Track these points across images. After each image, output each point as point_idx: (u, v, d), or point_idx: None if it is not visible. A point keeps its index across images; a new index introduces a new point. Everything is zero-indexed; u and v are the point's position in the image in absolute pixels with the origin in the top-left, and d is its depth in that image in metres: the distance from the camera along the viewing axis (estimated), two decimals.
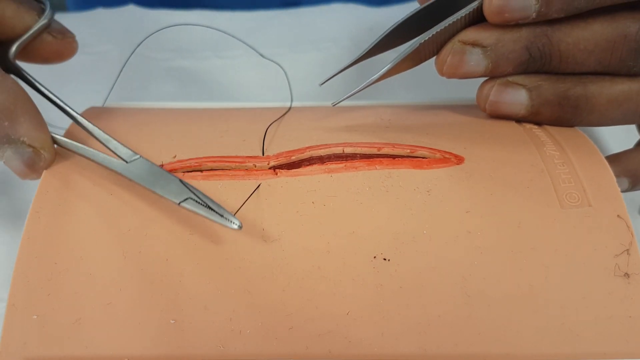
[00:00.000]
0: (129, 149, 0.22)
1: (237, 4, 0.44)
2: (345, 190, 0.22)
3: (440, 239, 0.21)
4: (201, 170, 0.23)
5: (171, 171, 0.22)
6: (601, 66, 0.24)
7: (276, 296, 0.20)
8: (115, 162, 0.22)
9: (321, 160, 0.23)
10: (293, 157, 0.23)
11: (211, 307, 0.20)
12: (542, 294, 0.20)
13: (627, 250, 0.21)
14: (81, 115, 0.24)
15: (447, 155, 0.23)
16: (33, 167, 0.22)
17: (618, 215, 0.21)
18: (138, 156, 0.22)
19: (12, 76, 0.23)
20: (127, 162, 0.22)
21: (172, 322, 0.20)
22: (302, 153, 0.23)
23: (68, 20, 0.41)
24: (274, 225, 0.21)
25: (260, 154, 0.23)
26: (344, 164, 0.23)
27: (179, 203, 0.20)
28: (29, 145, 0.22)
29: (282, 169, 0.23)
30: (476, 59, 0.23)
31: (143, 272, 0.20)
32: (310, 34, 0.40)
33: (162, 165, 0.23)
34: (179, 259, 0.20)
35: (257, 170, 0.23)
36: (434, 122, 0.25)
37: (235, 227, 0.19)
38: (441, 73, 0.24)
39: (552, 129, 0.25)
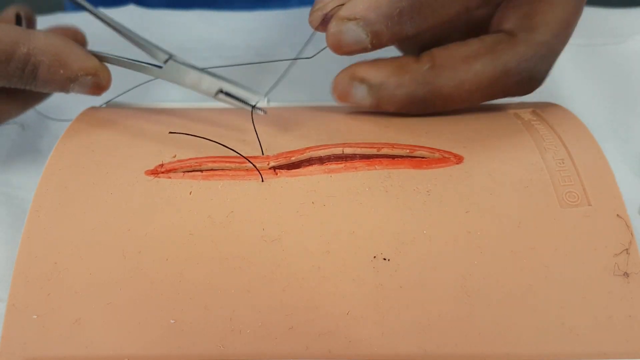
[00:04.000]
0: (162, 50, 0.25)
1: (237, 4, 0.44)
2: (345, 190, 0.22)
3: (440, 239, 0.21)
4: (201, 170, 0.23)
5: (171, 171, 0.23)
6: (487, 98, 0.25)
7: (276, 296, 0.20)
8: (150, 69, 0.25)
9: (321, 160, 0.23)
10: (293, 158, 0.23)
11: (211, 307, 0.20)
12: (542, 294, 0.20)
13: (627, 249, 0.21)
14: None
15: (446, 155, 0.23)
16: (99, 87, 0.26)
17: (617, 215, 0.21)
18: (168, 56, 0.25)
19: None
20: (161, 67, 0.25)
21: (172, 322, 0.20)
22: (302, 153, 0.23)
23: (68, 20, 0.41)
24: (274, 225, 0.21)
25: (260, 154, 0.23)
26: (343, 164, 0.23)
27: (215, 95, 0.24)
28: (86, 75, 0.25)
29: (282, 169, 0.23)
30: (361, 95, 0.24)
31: (143, 272, 0.20)
32: (310, 34, 0.40)
33: (162, 165, 0.23)
34: (179, 259, 0.20)
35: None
36: (433, 121, 0.25)
37: (264, 101, 0.23)
38: (335, 97, 0.25)
39: (553, 121, 0.25)
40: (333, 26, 0.23)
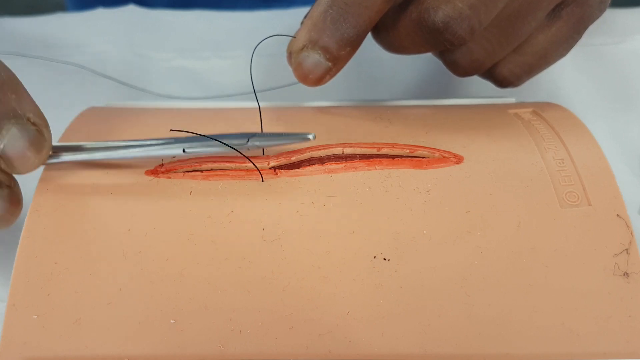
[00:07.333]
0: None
1: (237, 3, 0.44)
2: (345, 190, 0.22)
3: (440, 239, 0.21)
4: (201, 171, 0.23)
5: (171, 171, 0.23)
6: (414, 48, 0.25)
7: (276, 296, 0.20)
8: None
9: (321, 160, 0.23)
10: (293, 158, 0.23)
11: (211, 307, 0.20)
12: (541, 294, 0.20)
13: (627, 249, 0.21)
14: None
15: (446, 155, 0.23)
16: (39, 147, 0.20)
17: (618, 215, 0.21)
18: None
19: None
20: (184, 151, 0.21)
21: (172, 322, 0.20)
22: (302, 153, 0.23)
23: (68, 20, 0.41)
24: (274, 225, 0.21)
25: (261, 154, 0.23)
26: (343, 164, 0.23)
27: (247, 142, 0.21)
28: (34, 124, 0.20)
29: (282, 169, 0.23)
30: (315, 60, 0.24)
31: (143, 272, 0.20)
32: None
33: (162, 165, 0.23)
34: (179, 258, 0.20)
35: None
36: (433, 121, 0.25)
37: (311, 137, 0.21)
38: (299, 80, 0.25)
39: (552, 120, 0.25)
40: (292, 62, 0.24)
